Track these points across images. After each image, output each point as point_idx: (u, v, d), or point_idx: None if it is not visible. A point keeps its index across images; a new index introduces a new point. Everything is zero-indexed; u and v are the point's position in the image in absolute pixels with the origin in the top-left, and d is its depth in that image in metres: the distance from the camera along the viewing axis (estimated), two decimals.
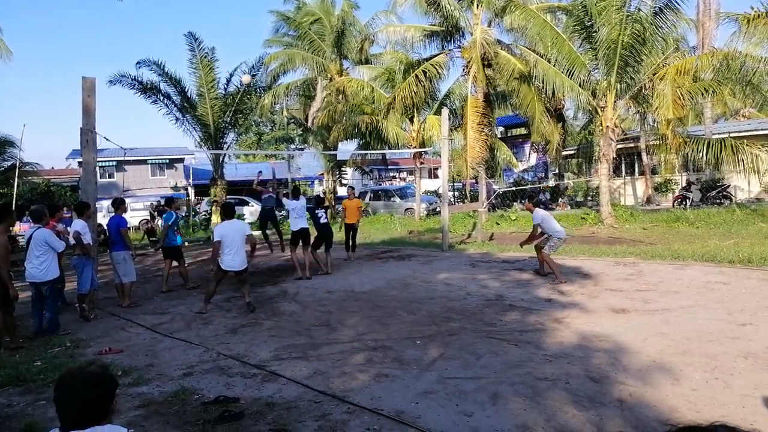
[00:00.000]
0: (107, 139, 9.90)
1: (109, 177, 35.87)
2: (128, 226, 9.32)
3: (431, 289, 8.91)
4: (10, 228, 6.98)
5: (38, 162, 29.38)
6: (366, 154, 25.65)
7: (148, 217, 24.80)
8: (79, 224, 8.07)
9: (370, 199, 27.38)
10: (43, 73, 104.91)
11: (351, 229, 12.66)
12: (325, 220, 11.22)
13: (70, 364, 5.68)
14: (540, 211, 9.34)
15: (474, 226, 16.09)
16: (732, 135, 18.19)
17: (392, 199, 27.39)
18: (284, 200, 11.44)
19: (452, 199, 27.19)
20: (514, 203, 24.74)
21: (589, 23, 16.53)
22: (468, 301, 7.86)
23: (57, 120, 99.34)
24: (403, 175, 47.97)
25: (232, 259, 7.79)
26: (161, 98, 22.64)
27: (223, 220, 8.23)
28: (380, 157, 29.26)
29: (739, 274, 8.65)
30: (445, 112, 15.10)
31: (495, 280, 9.29)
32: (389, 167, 43.26)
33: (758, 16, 13.50)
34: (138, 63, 22.06)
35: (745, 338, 5.42)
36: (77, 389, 1.96)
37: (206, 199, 28.04)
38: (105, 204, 20.62)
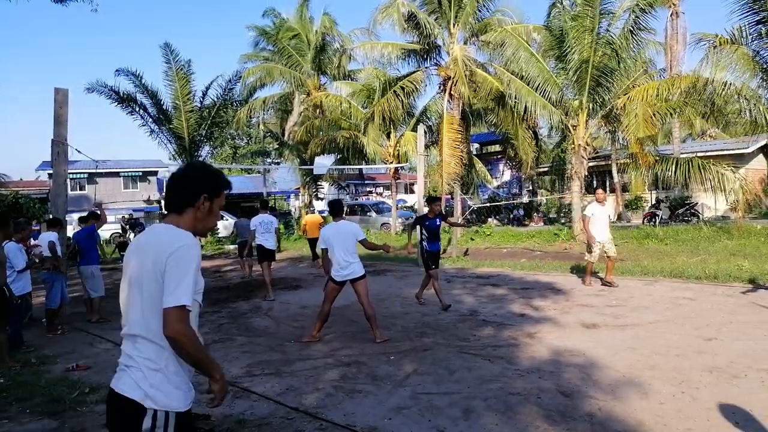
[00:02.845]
0: (79, 152, 9.78)
1: (81, 189, 35.20)
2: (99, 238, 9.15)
3: (406, 304, 8.93)
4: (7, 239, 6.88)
5: (6, 173, 28.75)
6: (343, 169, 25.70)
7: (120, 231, 24.37)
8: (53, 235, 7.98)
9: (346, 214, 27.34)
10: (12, 82, 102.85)
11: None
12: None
13: (34, 381, 5.53)
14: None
15: (449, 242, 16.19)
16: (699, 155, 18.72)
17: (368, 213, 27.43)
18: (255, 218, 10.48)
19: None
20: (489, 219, 25.01)
21: (563, 44, 16.95)
22: (442, 316, 7.90)
23: (26, 130, 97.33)
24: (380, 190, 48.12)
25: (342, 267, 6.50)
26: (137, 109, 22.43)
27: (334, 220, 6.82)
28: (357, 172, 29.31)
29: (705, 290, 8.88)
30: (421, 128, 15.28)
31: (469, 296, 9.36)
32: (365, 182, 43.34)
33: (723, 42, 14.02)
34: (117, 71, 21.87)
35: (711, 353, 5.56)
36: (172, 175, 2.33)
37: None
38: (76, 217, 20.23)
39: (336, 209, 6.87)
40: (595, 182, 26.17)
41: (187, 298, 2.02)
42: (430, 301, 8.97)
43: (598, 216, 9.63)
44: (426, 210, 9.54)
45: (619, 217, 24.60)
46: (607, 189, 25.97)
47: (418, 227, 9.24)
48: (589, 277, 10.02)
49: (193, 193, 2.22)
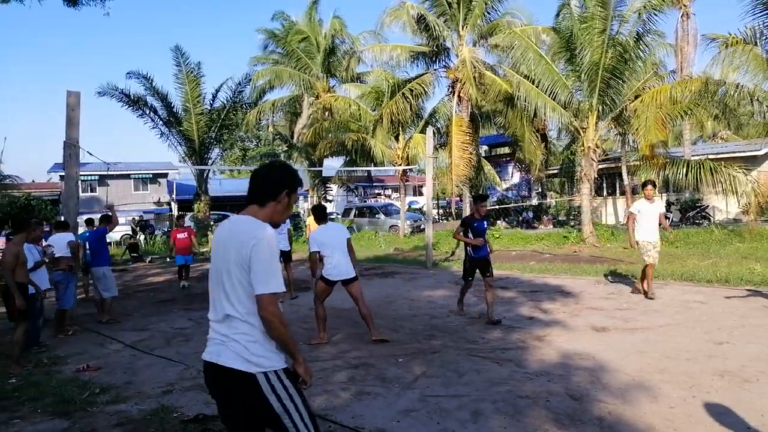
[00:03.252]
0: (91, 154, 9.88)
1: (92, 191, 35.52)
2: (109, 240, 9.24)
3: (415, 306, 8.92)
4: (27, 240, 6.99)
5: (18, 175, 29.12)
6: (351, 171, 25.75)
7: (131, 232, 24.53)
8: (70, 235, 8.09)
9: (355, 216, 27.39)
10: (25, 84, 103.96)
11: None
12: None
13: (46, 381, 5.59)
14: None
15: (458, 244, 16.16)
16: (710, 157, 18.57)
17: (377, 216, 27.44)
18: None
19: (436, 217, 27.32)
20: (498, 221, 24.94)
21: (572, 46, 16.89)
22: (451, 318, 7.88)
23: (38, 132, 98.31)
24: (388, 192, 48.14)
25: (336, 267, 6.53)
26: (147, 112, 22.63)
27: (318, 224, 6.92)
28: (365, 174, 29.36)
29: (716, 294, 8.79)
30: (429, 131, 15.28)
31: (478, 298, 9.32)
32: (374, 184, 43.37)
33: (736, 42, 13.91)
34: (128, 74, 22.17)
35: (721, 356, 5.51)
36: (256, 171, 2.56)
37: (189, 214, 27.87)
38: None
39: (322, 214, 6.96)
40: (605, 184, 26.06)
41: (276, 285, 2.29)
42: (439, 304, 8.97)
43: (646, 214, 8.57)
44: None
45: None
46: (617, 191, 25.85)
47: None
48: (648, 281, 8.76)
49: (277, 188, 2.47)
